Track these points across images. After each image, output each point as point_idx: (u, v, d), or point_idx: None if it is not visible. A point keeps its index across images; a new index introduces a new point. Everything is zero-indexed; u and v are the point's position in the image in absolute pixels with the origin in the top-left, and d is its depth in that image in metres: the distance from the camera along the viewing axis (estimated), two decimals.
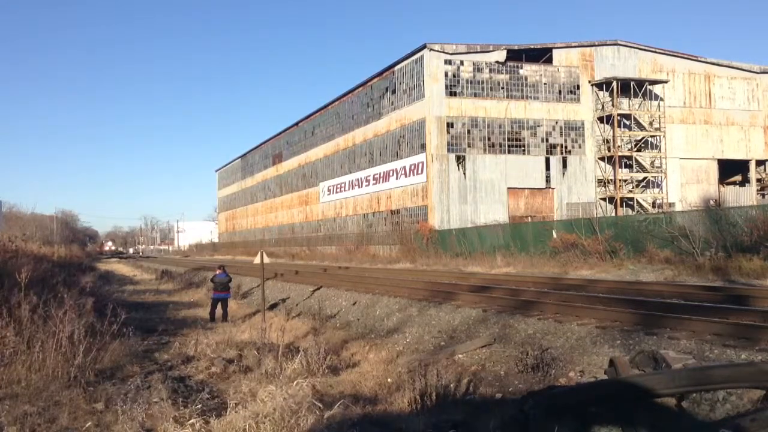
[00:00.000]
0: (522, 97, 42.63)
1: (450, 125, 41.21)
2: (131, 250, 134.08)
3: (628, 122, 44.53)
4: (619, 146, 43.53)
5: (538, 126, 42.81)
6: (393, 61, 45.00)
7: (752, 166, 47.43)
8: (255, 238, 76.13)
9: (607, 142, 43.97)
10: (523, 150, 42.47)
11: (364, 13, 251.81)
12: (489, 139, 41.96)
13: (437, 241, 38.16)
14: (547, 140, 43.01)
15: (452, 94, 41.37)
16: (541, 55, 43.12)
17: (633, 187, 44.34)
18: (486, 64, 41.96)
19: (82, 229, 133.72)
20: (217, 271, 19.70)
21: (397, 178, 44.80)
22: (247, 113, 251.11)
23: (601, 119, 43.98)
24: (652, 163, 44.84)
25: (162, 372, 9.87)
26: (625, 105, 43.82)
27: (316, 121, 59.67)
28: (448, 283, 20.34)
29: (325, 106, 57.26)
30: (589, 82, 43.82)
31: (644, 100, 44.38)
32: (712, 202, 43.04)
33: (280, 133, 69.94)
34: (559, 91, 43.44)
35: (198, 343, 12.24)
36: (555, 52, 43.16)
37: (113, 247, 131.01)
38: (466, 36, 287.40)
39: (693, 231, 22.55)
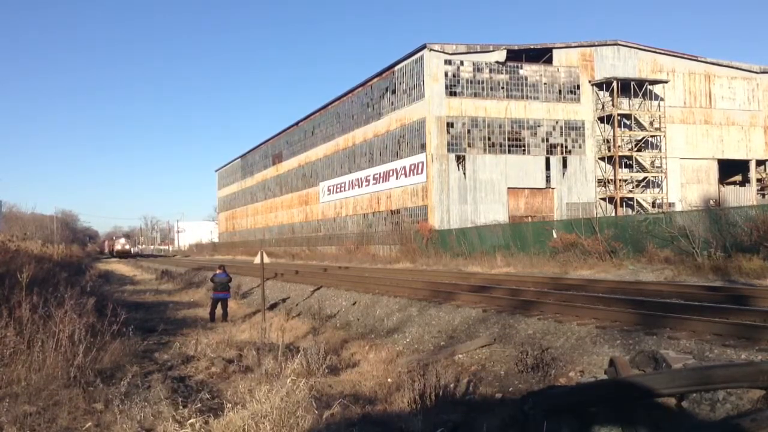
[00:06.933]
0: (522, 97, 42.63)
1: (450, 125, 41.22)
2: (132, 251, 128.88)
3: (628, 122, 44.53)
4: (619, 146, 43.53)
5: (538, 126, 42.81)
6: (393, 61, 45.08)
7: (752, 166, 47.44)
8: (255, 238, 76.10)
9: (607, 142, 43.97)
10: (523, 150, 42.47)
11: (364, 12, 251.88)
12: (489, 139, 41.96)
13: (437, 241, 38.15)
14: (547, 140, 43.02)
15: (452, 94, 41.36)
16: (541, 55, 43.12)
17: (633, 187, 44.34)
18: (486, 64, 41.96)
19: (82, 229, 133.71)
20: (217, 271, 19.68)
21: (397, 178, 44.80)
22: (247, 113, 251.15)
23: (601, 119, 43.98)
24: (652, 163, 44.83)
25: (162, 372, 9.86)
26: (625, 105, 43.82)
27: (316, 121, 59.67)
28: (448, 283, 20.33)
29: (325, 106, 57.25)
30: (589, 82, 43.82)
31: (644, 100, 44.37)
32: (712, 202, 43.07)
33: (280, 133, 69.95)
34: (559, 91, 43.44)
35: (198, 343, 12.24)
36: (555, 52, 43.16)
37: (127, 246, 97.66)
38: (466, 36, 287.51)
39: (693, 231, 22.54)
